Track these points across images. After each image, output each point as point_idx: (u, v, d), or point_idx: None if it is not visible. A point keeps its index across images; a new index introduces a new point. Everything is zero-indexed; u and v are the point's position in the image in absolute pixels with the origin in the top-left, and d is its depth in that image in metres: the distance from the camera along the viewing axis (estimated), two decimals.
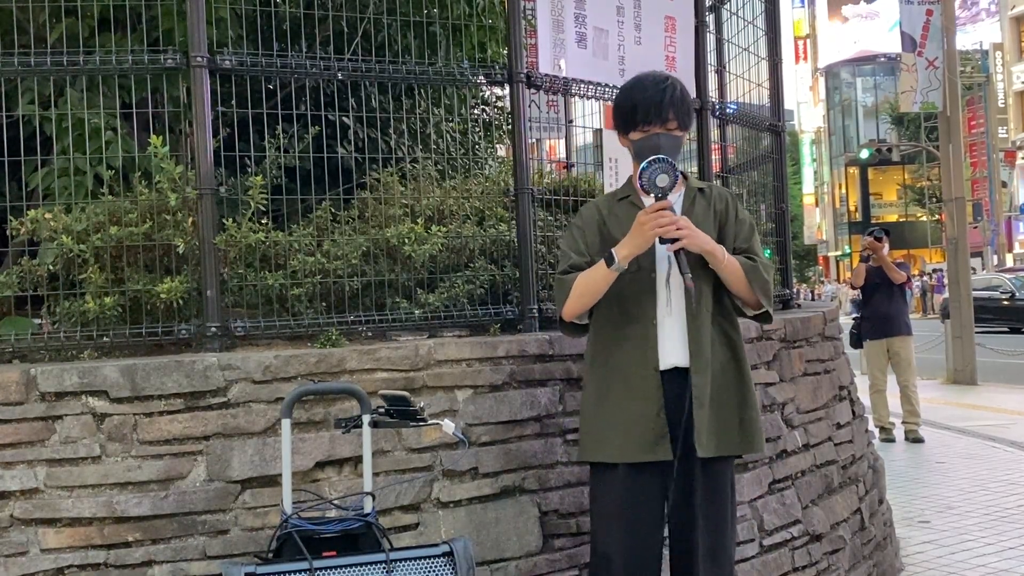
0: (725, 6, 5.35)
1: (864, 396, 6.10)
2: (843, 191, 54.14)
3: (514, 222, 3.63)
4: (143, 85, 3.25)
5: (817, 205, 57.39)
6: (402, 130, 4.43)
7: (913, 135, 37.97)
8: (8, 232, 3.29)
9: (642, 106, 2.71)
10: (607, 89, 4.03)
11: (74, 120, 3.26)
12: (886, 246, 8.72)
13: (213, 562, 2.71)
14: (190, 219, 3.16)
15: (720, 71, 5.12)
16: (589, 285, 2.69)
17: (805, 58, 58.96)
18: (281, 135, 3.49)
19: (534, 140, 5.40)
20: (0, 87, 3.18)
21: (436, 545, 2.43)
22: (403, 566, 2.33)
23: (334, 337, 3.13)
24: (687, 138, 3.19)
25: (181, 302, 3.11)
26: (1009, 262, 40.18)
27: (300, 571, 2.27)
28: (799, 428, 4.07)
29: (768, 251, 5.44)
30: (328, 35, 4.03)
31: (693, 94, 2.76)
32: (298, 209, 3.57)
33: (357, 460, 2.85)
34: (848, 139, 52.98)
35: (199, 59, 3.12)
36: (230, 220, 3.18)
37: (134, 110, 3.41)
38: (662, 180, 2.56)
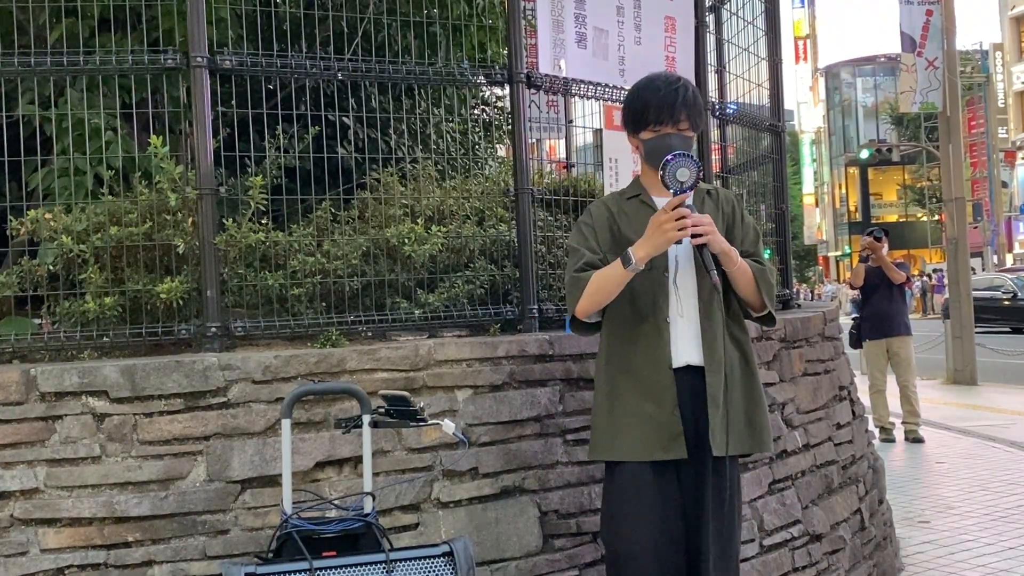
0: (725, 6, 5.35)
1: (864, 396, 6.10)
2: (843, 191, 54.16)
3: (514, 222, 3.63)
4: (143, 85, 3.25)
5: (817, 205, 57.40)
6: (402, 130, 4.43)
7: (913, 135, 38.00)
8: (8, 232, 3.29)
9: (654, 106, 2.72)
10: (607, 89, 4.03)
11: (74, 120, 3.27)
12: (885, 246, 8.72)
13: (213, 562, 2.71)
14: (190, 219, 3.16)
15: (720, 71, 5.12)
16: (604, 284, 2.68)
17: (805, 58, 58.95)
18: (281, 135, 3.49)
19: (534, 140, 5.40)
20: (0, 87, 3.18)
21: (436, 545, 2.43)
22: (403, 566, 2.33)
23: (334, 337, 3.13)
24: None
25: (181, 302, 3.11)
26: (1009, 262, 40.18)
27: (300, 571, 2.27)
28: (799, 428, 4.07)
29: (768, 251, 5.44)
30: (328, 35, 4.04)
31: (696, 103, 2.77)
32: (298, 209, 3.57)
33: (357, 460, 2.85)
34: (848, 139, 53.00)
35: (199, 59, 3.12)
36: (230, 220, 3.18)
37: (134, 110, 3.41)
38: (683, 174, 2.55)
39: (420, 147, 4.25)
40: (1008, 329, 22.38)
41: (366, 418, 2.55)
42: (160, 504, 2.73)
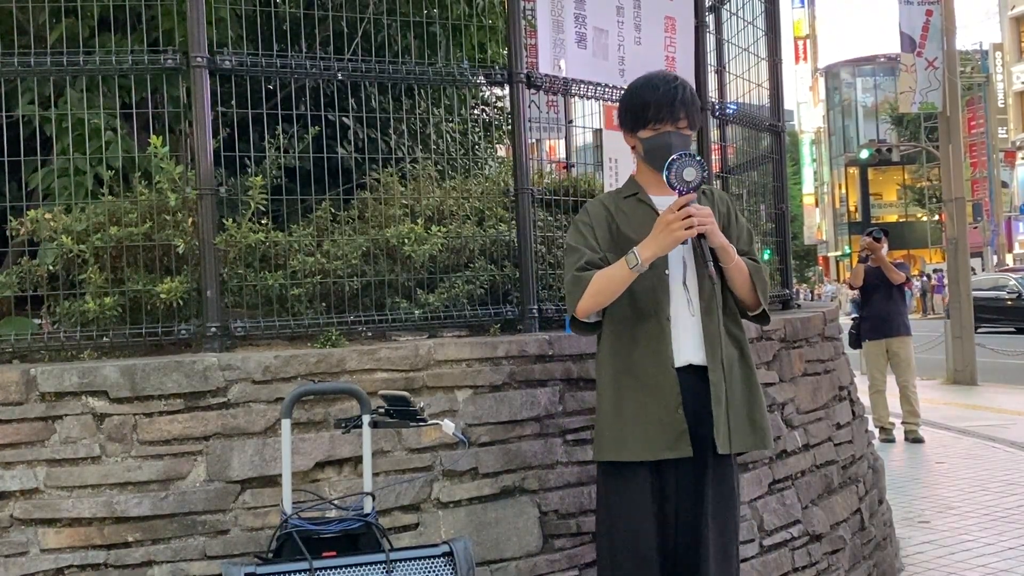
0: (725, 6, 5.35)
1: (864, 396, 6.10)
2: (843, 191, 54.16)
3: (514, 222, 3.63)
4: (143, 85, 3.25)
5: (817, 205, 57.40)
6: (402, 130, 4.43)
7: (913, 135, 37.98)
8: (8, 232, 3.29)
9: (655, 104, 2.72)
10: (607, 89, 4.03)
11: (74, 120, 3.27)
12: (885, 246, 8.72)
13: (213, 562, 2.71)
14: (190, 219, 3.16)
15: (720, 71, 5.12)
16: (607, 284, 2.68)
17: (805, 58, 58.95)
18: (281, 135, 3.49)
19: (534, 140, 5.39)
20: (0, 87, 3.18)
21: (436, 545, 2.43)
22: (403, 566, 2.33)
23: (334, 337, 3.13)
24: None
25: (181, 302, 3.11)
26: (1009, 262, 40.18)
27: (300, 571, 2.27)
28: (799, 428, 4.07)
29: (768, 251, 5.44)
30: (328, 35, 4.04)
31: (694, 101, 2.79)
32: (298, 209, 3.57)
33: (357, 460, 2.85)
34: (848, 139, 52.99)
35: (199, 59, 3.12)
36: (230, 220, 3.18)
37: (134, 110, 3.41)
38: (689, 174, 2.56)
39: (420, 147, 4.25)
40: (1012, 329, 22.12)
41: (366, 418, 2.55)
42: (160, 504, 2.73)
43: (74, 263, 3.14)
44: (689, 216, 2.54)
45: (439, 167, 4.02)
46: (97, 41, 3.32)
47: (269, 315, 3.22)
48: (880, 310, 8.71)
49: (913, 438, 8.50)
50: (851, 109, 54.28)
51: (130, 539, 2.70)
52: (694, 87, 2.97)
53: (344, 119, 4.02)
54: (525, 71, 3.69)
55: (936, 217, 37.38)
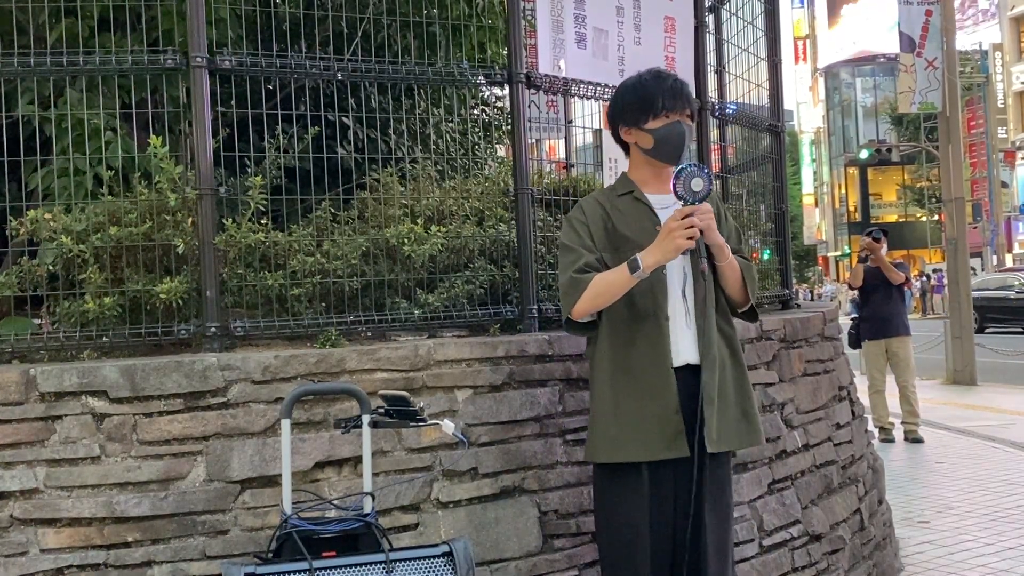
0: (725, 6, 5.35)
1: (863, 396, 6.10)
2: (843, 191, 54.14)
3: (514, 222, 3.63)
4: (143, 85, 3.25)
5: (817, 205, 57.40)
6: (402, 130, 4.43)
7: (913, 135, 37.93)
8: (8, 232, 3.29)
9: (662, 94, 2.75)
10: (607, 89, 4.03)
11: (74, 120, 3.27)
12: (884, 246, 8.72)
13: (213, 562, 2.71)
14: (190, 219, 3.16)
15: (720, 71, 5.12)
16: (607, 289, 2.68)
17: (805, 58, 58.96)
18: (281, 135, 3.49)
19: (534, 140, 5.40)
20: (0, 87, 3.18)
21: (436, 545, 2.43)
22: (403, 566, 2.33)
23: (334, 337, 3.13)
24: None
25: (181, 302, 3.11)
26: (1009, 262, 40.17)
27: (300, 571, 2.27)
28: (799, 428, 4.07)
29: (768, 251, 5.44)
30: (328, 35, 4.03)
31: (693, 94, 2.83)
32: (298, 209, 3.57)
33: (357, 460, 2.85)
34: (848, 139, 52.97)
35: (199, 59, 3.12)
36: (230, 220, 3.18)
37: (134, 110, 3.41)
38: (697, 184, 2.57)
39: (420, 147, 4.25)
40: (1020, 330, 21.73)
41: (366, 418, 2.55)
42: (160, 504, 2.73)
43: (74, 263, 3.14)
44: (692, 226, 2.55)
45: (439, 167, 4.02)
46: (97, 41, 3.32)
47: (269, 315, 3.22)
48: (880, 310, 8.72)
49: (913, 438, 8.50)
50: (851, 109, 54.26)
51: (130, 539, 2.70)
52: (692, 87, 3.01)
53: (344, 119, 4.02)
54: (525, 71, 3.69)
55: (936, 217, 37.37)
